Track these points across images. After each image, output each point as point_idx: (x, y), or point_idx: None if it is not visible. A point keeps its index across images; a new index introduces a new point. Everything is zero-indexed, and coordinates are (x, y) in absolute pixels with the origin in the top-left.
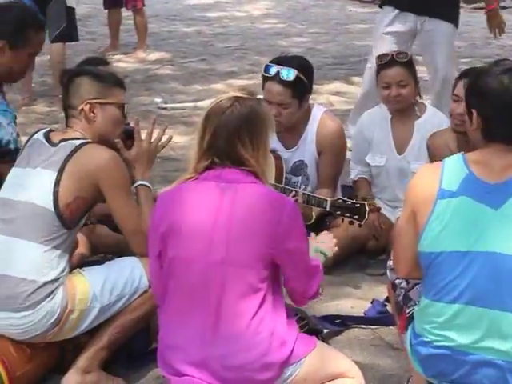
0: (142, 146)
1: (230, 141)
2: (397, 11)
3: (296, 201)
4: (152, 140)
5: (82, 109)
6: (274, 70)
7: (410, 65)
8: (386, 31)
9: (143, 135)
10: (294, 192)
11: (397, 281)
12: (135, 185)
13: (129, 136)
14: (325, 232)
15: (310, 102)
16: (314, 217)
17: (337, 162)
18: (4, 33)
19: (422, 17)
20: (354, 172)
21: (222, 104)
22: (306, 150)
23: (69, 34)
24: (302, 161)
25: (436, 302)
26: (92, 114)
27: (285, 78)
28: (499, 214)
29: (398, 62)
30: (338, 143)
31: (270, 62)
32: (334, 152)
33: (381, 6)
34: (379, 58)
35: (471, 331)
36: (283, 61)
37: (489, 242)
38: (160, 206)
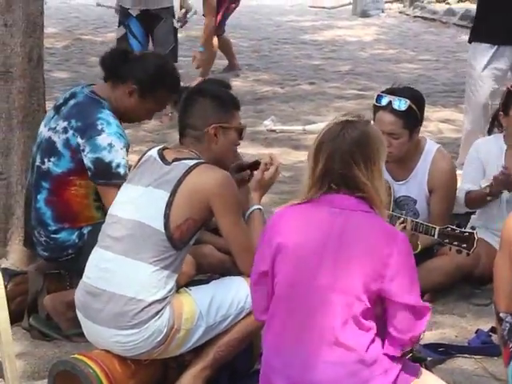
0: (263, 179)
1: (346, 165)
2: (494, 48)
3: (404, 228)
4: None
5: (207, 131)
6: (385, 99)
7: None
8: (486, 71)
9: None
10: (402, 219)
11: (502, 314)
12: (252, 208)
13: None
14: None
15: (423, 136)
16: (419, 246)
17: (449, 201)
18: (139, 80)
19: None
20: (466, 186)
21: (332, 130)
22: (417, 186)
23: (175, 54)
24: (409, 197)
25: None
26: (215, 138)
27: (397, 108)
28: None
29: None
30: (450, 183)
31: (382, 92)
32: (446, 192)
33: (470, 41)
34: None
35: None
36: (395, 91)
37: None
38: (271, 225)
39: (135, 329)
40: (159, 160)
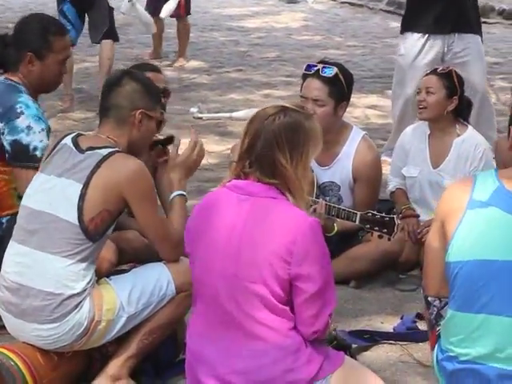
0: (175, 159)
1: (268, 146)
2: (425, 37)
3: (314, 210)
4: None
5: (134, 114)
6: (315, 68)
7: (447, 77)
8: (417, 61)
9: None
10: (317, 202)
11: (430, 298)
12: (172, 196)
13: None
14: None
15: (349, 123)
16: (335, 229)
17: (373, 191)
18: (27, 44)
19: (451, 36)
20: (392, 184)
21: (267, 110)
22: (341, 172)
23: (114, 33)
24: (333, 182)
25: (461, 312)
26: (139, 124)
27: (324, 74)
28: None
29: (437, 73)
30: (374, 173)
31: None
32: (370, 182)
33: (402, 32)
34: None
35: (497, 342)
36: (325, 62)
37: None
38: (194, 212)
39: (55, 323)
40: (73, 148)
